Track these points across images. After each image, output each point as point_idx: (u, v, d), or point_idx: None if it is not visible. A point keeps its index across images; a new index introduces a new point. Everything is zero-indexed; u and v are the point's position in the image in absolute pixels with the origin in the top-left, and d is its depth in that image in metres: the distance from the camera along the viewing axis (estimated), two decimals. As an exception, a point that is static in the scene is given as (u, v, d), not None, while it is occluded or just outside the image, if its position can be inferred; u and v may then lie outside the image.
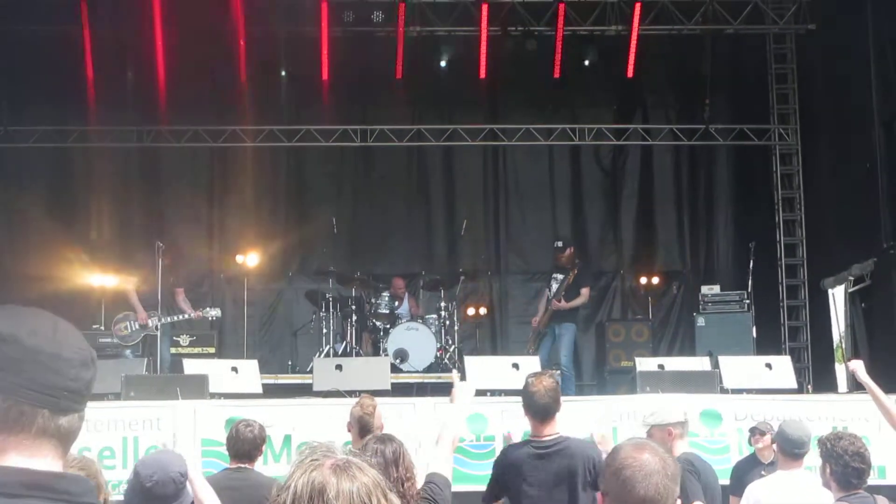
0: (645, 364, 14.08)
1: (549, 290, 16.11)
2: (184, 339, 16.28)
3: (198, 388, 12.55)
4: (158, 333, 15.18)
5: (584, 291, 16.04)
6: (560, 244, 16.35)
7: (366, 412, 7.51)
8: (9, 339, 2.18)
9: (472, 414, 11.79)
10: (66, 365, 2.20)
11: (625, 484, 3.39)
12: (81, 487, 2.23)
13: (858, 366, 7.90)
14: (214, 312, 15.41)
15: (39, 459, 2.20)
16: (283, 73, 18.48)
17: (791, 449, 7.32)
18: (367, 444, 5.52)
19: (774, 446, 8.51)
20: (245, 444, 7.58)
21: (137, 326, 15.27)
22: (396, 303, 17.04)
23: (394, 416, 11.49)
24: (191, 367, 13.61)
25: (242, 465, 7.56)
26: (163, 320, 15.25)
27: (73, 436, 2.25)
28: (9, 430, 2.19)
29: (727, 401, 12.37)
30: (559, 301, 15.80)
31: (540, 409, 7.06)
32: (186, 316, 15.49)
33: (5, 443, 2.19)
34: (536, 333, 16.09)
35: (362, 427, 7.50)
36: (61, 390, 2.20)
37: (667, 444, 7.08)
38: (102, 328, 16.87)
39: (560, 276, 16.01)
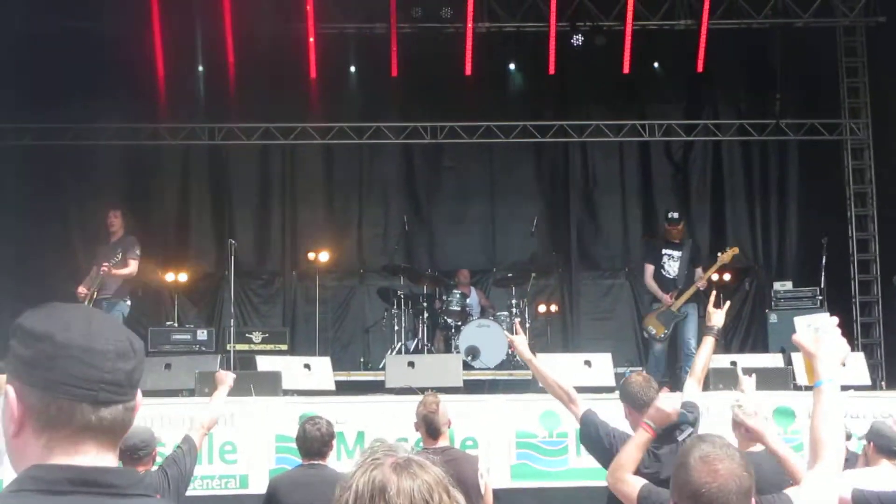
0: (717, 361, 14.00)
1: (665, 267, 15.54)
2: (256, 336, 16.36)
3: (271, 385, 12.65)
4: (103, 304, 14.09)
5: (699, 271, 15.54)
6: (676, 215, 15.80)
7: (429, 410, 7.53)
8: (42, 336, 2.24)
9: (545, 411, 11.82)
10: (101, 357, 2.25)
11: None
12: (128, 480, 2.28)
13: None
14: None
15: (83, 456, 2.25)
16: (353, 70, 18.57)
17: (889, 446, 7.35)
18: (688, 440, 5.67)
19: (849, 444, 8.45)
20: (314, 443, 7.71)
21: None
22: (467, 299, 17.05)
23: (465, 413, 11.55)
24: (264, 363, 13.72)
25: (315, 462, 7.67)
26: (91, 288, 14.21)
27: (120, 426, 2.30)
28: (52, 427, 2.24)
29: (801, 398, 12.28)
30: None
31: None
32: (94, 283, 14.19)
33: (50, 440, 2.25)
34: (669, 315, 15.34)
35: (428, 426, 7.54)
36: (97, 382, 2.24)
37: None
38: (175, 324, 17.07)
39: (675, 253, 15.48)
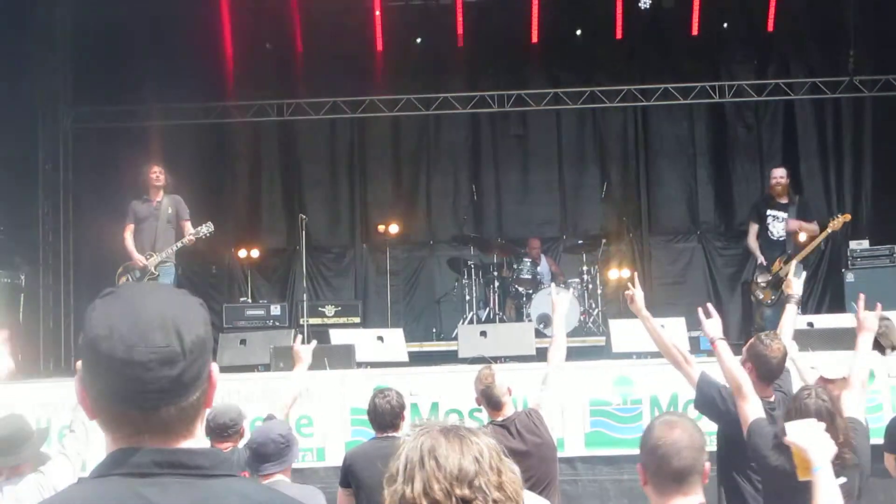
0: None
1: (769, 229, 14.98)
2: (329, 310, 16.46)
3: (345, 357, 12.72)
4: (160, 273, 13.74)
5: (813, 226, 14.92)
6: (783, 172, 15.23)
7: (486, 384, 7.50)
8: (90, 343, 2.22)
9: (619, 377, 11.75)
10: (140, 369, 2.19)
11: (661, 460, 4.10)
12: (212, 460, 2.26)
13: None
14: (206, 230, 13.69)
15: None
16: (419, 41, 18.55)
17: None
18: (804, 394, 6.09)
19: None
20: (385, 416, 7.68)
21: (139, 275, 13.78)
22: (538, 267, 16.99)
23: (539, 380, 11.51)
24: (337, 337, 13.77)
25: (388, 434, 7.67)
26: (159, 257, 13.77)
27: (178, 423, 2.25)
28: (109, 429, 2.25)
29: (879, 358, 12.11)
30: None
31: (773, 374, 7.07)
32: (180, 244, 13.80)
33: (113, 439, 2.25)
34: (776, 279, 14.77)
35: (488, 398, 7.51)
36: (139, 393, 2.20)
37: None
38: (249, 300, 17.20)
39: (780, 214, 14.89)
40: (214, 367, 2.34)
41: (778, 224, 14.95)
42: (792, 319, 7.74)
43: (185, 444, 2.26)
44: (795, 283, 7.91)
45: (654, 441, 4.13)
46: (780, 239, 14.97)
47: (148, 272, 13.67)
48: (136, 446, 2.22)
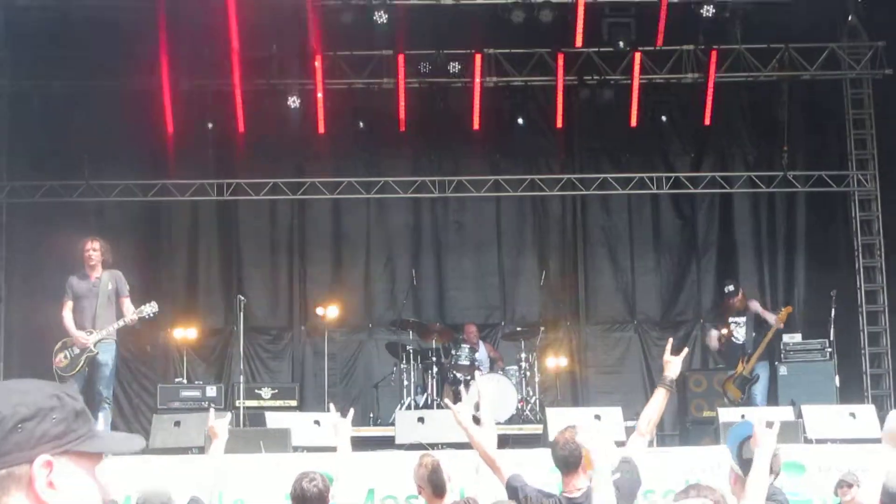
0: (727, 414, 13.95)
1: (734, 335, 16.36)
2: (265, 392, 16.36)
3: (280, 441, 12.65)
4: (99, 351, 13.49)
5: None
6: (732, 288, 16.61)
7: (432, 470, 7.45)
8: None
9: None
10: None
11: None
12: None
13: None
14: (150, 309, 13.56)
15: None
16: (361, 125, 18.57)
17: None
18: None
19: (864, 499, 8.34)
20: (314, 501, 7.35)
21: (77, 351, 13.49)
22: (476, 353, 17.00)
23: (476, 468, 11.48)
24: (273, 420, 13.69)
25: (314, 521, 7.50)
26: (99, 334, 13.48)
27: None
28: None
29: (811, 451, 12.22)
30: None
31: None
32: (121, 323, 13.53)
33: None
34: (743, 379, 16.02)
35: (435, 485, 7.46)
36: None
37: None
38: (185, 381, 17.03)
39: (741, 319, 16.29)
40: (38, 460, 2.23)
41: (740, 329, 16.26)
42: (657, 405, 7.17)
43: None
44: (675, 365, 7.31)
45: None
46: (743, 343, 16.19)
47: (87, 350, 13.44)
48: None
